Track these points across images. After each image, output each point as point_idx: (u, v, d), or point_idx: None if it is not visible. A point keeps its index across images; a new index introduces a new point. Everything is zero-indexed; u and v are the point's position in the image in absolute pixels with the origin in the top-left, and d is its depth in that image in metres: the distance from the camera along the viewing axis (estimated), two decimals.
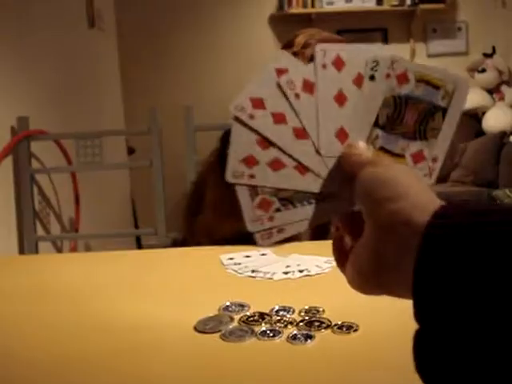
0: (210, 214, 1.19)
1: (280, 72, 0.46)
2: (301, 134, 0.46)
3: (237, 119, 0.45)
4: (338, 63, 0.46)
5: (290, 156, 0.46)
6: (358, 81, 0.46)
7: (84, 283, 0.97)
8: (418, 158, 0.46)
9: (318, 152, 0.46)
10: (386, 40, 4.52)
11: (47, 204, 2.33)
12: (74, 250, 2.43)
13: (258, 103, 0.45)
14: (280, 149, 0.45)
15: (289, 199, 0.46)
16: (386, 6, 4.37)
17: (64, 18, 2.66)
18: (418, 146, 0.46)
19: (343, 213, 0.45)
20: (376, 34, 4.52)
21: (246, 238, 1.10)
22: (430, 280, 0.32)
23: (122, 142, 3.38)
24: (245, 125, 0.45)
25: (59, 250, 2.38)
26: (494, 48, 4.31)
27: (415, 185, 0.38)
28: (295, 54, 1.13)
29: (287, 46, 1.16)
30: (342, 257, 0.45)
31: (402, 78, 0.46)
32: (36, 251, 2.09)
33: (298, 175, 0.46)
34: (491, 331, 0.29)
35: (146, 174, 2.28)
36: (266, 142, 0.45)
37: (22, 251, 2.08)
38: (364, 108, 0.46)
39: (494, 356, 0.29)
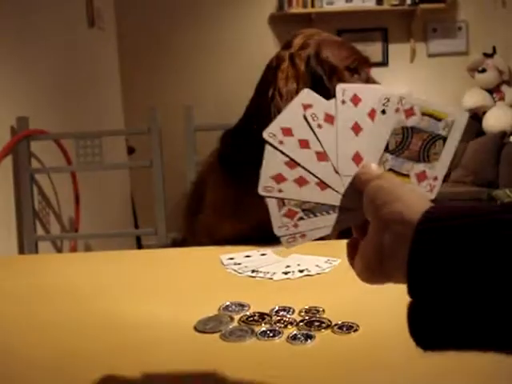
0: (211, 213, 1.19)
1: (306, 107, 0.56)
2: (322, 157, 0.55)
3: (269, 144, 0.55)
4: (355, 100, 0.56)
5: (313, 175, 0.55)
6: (372, 114, 0.56)
7: (84, 283, 0.97)
8: (421, 177, 0.55)
9: (336, 172, 0.55)
10: (386, 40, 4.52)
11: (47, 204, 2.33)
12: (73, 249, 2.42)
13: (287, 131, 0.55)
14: (304, 169, 0.55)
15: (311, 210, 0.55)
16: (386, 6, 4.37)
17: (64, 17, 2.66)
18: (421, 167, 0.55)
19: (356, 222, 0.54)
20: (376, 34, 4.52)
21: (246, 239, 1.10)
22: (421, 264, 0.40)
23: (121, 142, 3.38)
24: (276, 148, 0.55)
25: (59, 250, 2.38)
26: (494, 48, 4.30)
27: (410, 193, 0.47)
28: (292, 56, 1.12)
29: (285, 47, 1.16)
30: (353, 252, 0.53)
31: (409, 112, 0.55)
32: (36, 251, 2.09)
33: (319, 190, 0.55)
34: (471, 300, 0.38)
35: (146, 173, 2.28)
36: (293, 163, 0.55)
37: (21, 251, 2.08)
38: (376, 136, 0.56)
39: (474, 318, 0.38)
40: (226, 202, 1.14)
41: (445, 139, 0.56)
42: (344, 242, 0.58)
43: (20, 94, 2.18)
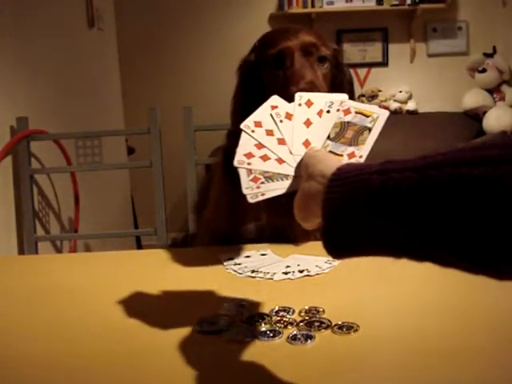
0: (212, 207, 1.20)
1: (272, 107, 0.77)
2: (281, 142, 0.75)
3: (245, 132, 0.75)
4: (309, 103, 0.77)
5: (274, 153, 0.74)
6: (320, 113, 0.77)
7: (83, 283, 0.96)
8: (351, 156, 0.75)
9: (291, 152, 0.74)
10: (386, 40, 4.52)
11: (47, 204, 2.33)
12: (73, 250, 2.42)
13: (258, 124, 0.76)
14: (268, 149, 0.75)
15: (270, 177, 0.73)
16: (386, 6, 4.36)
17: (63, 17, 2.66)
18: (352, 149, 0.75)
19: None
20: (376, 34, 4.51)
21: (238, 235, 1.11)
22: (331, 199, 0.57)
23: (121, 142, 3.38)
24: (249, 135, 0.75)
25: (59, 251, 2.38)
26: (494, 48, 4.30)
27: (331, 158, 0.66)
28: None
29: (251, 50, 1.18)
30: None
31: (347, 112, 0.76)
32: (35, 251, 2.09)
33: (278, 164, 0.74)
34: (359, 218, 0.54)
35: (146, 174, 2.27)
36: (260, 145, 0.75)
37: (21, 251, 2.08)
38: (322, 128, 0.76)
39: (362, 231, 0.54)
40: (224, 199, 1.14)
41: (370, 130, 0.75)
42: None
43: (20, 94, 2.18)
